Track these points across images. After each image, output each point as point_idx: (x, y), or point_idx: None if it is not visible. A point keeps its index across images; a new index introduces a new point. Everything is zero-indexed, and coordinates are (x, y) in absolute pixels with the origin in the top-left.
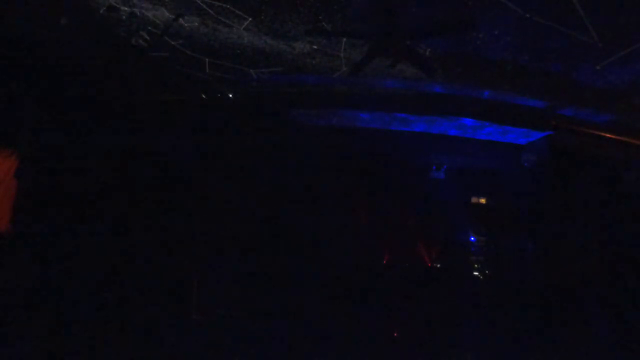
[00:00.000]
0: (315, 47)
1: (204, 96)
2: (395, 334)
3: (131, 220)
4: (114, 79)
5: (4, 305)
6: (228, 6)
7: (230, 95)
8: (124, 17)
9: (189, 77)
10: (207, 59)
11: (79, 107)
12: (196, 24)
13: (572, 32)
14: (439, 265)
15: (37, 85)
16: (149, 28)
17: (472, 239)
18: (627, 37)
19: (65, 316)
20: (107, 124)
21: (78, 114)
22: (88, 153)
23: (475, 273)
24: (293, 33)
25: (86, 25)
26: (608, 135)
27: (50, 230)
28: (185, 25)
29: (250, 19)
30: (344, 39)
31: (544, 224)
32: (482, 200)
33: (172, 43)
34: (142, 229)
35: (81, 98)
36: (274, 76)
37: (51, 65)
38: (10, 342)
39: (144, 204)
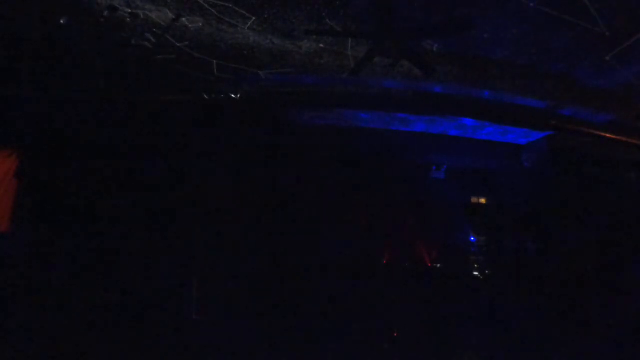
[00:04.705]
0: (322, 45)
1: (206, 96)
2: (395, 334)
3: (131, 220)
4: (117, 80)
5: (4, 305)
6: (230, 5)
7: (233, 96)
8: (127, 19)
9: (196, 79)
10: (214, 61)
11: (80, 108)
12: (200, 24)
13: (578, 21)
14: (439, 265)
15: (38, 86)
16: (154, 30)
17: (472, 239)
18: (635, 24)
19: (65, 316)
20: (108, 124)
21: (79, 114)
22: (88, 153)
23: (475, 273)
24: (298, 32)
25: (88, 26)
26: (608, 135)
27: (49, 230)
28: (190, 26)
29: (253, 17)
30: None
31: (544, 224)
32: (482, 200)
33: (178, 45)
34: (142, 228)
35: (83, 99)
36: (279, 77)
37: (53, 65)
38: (10, 342)
39: (144, 203)
